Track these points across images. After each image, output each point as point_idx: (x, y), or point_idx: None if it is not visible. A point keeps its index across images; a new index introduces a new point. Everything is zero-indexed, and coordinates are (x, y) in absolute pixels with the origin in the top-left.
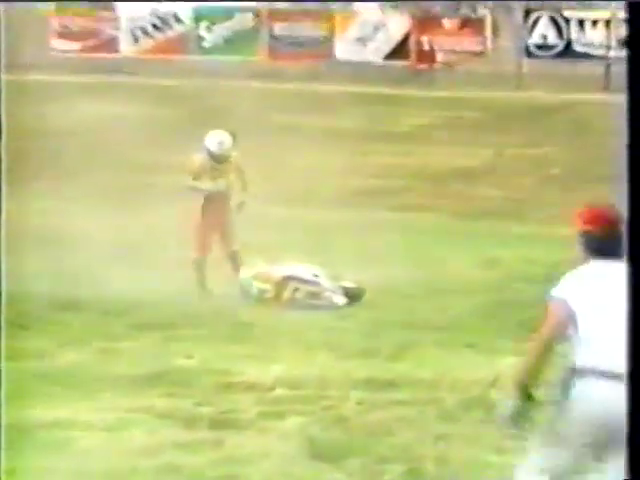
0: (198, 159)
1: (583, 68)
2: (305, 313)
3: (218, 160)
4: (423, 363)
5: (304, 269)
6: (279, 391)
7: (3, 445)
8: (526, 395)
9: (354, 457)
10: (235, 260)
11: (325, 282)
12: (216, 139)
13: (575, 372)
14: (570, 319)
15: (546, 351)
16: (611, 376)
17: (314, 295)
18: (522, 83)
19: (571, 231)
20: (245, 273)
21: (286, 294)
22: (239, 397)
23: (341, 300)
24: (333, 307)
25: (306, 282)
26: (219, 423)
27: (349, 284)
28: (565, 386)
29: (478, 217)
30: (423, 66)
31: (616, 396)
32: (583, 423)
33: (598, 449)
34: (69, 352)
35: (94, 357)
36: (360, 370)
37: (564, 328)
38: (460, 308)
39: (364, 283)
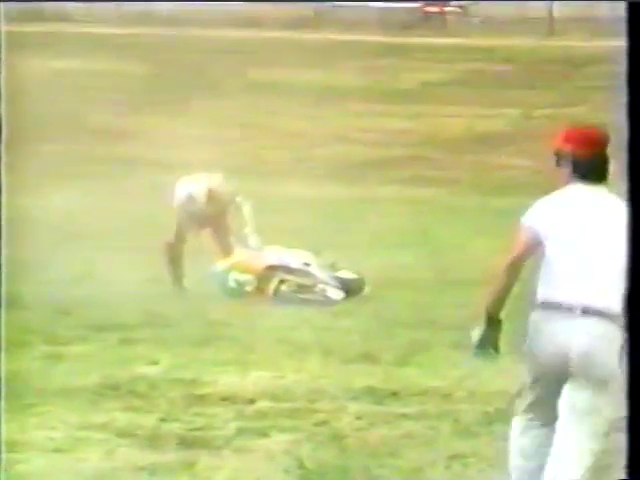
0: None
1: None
2: (293, 309)
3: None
4: (435, 369)
5: (292, 256)
6: (261, 403)
7: None
8: (493, 321)
9: None
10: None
11: (318, 272)
12: (185, 191)
13: (539, 305)
14: (537, 247)
15: (510, 278)
16: (576, 311)
17: (305, 288)
18: (554, 29)
19: None
20: (221, 264)
21: (271, 287)
22: (213, 411)
23: (337, 294)
24: (328, 302)
25: (294, 272)
26: (189, 442)
27: (346, 274)
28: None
29: (503, 192)
30: (433, 9)
31: (581, 331)
32: (546, 358)
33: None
34: (7, 358)
35: (38, 364)
36: (359, 378)
37: (529, 255)
38: (479, 302)
39: (364, 273)
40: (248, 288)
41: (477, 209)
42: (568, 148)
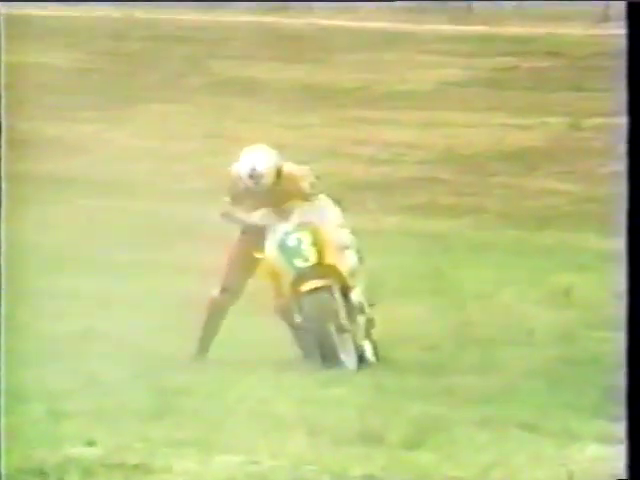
0: (237, 183)
1: None
2: (269, 376)
3: (258, 184)
4: (456, 454)
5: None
6: None
7: None
8: None
9: None
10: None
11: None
12: (252, 153)
13: None
14: None
15: None
16: None
17: (346, 333)
18: (610, 14)
19: None
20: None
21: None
22: None
23: (371, 357)
24: (348, 365)
25: (354, 307)
26: None
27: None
28: None
29: (539, 225)
30: None
31: None
32: None
33: None
34: None
35: None
36: (356, 464)
37: None
38: (513, 367)
39: None
40: (304, 263)
41: (508, 246)
42: None
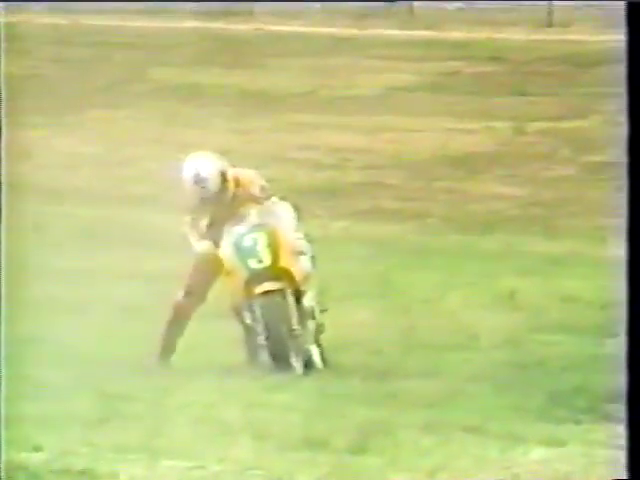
0: (190, 192)
1: None
2: (214, 381)
3: (205, 188)
4: (401, 458)
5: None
6: None
7: None
8: None
9: None
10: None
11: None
12: (197, 159)
13: None
14: None
15: None
16: None
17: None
18: (553, 19)
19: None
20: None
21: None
22: None
23: (318, 362)
24: (292, 370)
25: (307, 311)
26: None
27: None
28: None
29: (484, 229)
30: None
31: None
32: None
33: None
34: None
35: None
36: (303, 468)
37: None
38: (458, 372)
39: None
40: (258, 264)
41: (453, 251)
42: None
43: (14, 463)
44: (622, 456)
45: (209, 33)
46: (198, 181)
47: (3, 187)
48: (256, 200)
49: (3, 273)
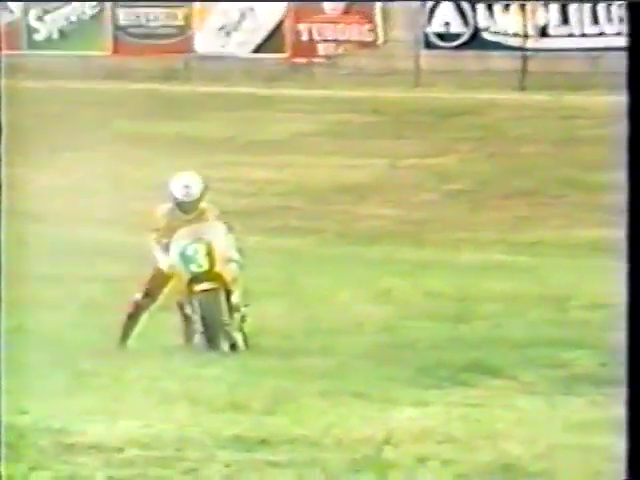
0: (162, 210)
1: (493, 62)
2: (159, 360)
3: (185, 210)
4: (303, 417)
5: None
6: (130, 452)
7: None
8: None
9: None
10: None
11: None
12: (182, 183)
13: None
14: None
15: None
16: None
17: (221, 324)
18: (421, 80)
19: (478, 257)
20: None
21: (205, 292)
22: (82, 459)
23: (242, 345)
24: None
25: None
26: None
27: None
28: None
29: (368, 242)
30: (301, 60)
31: None
32: None
33: None
34: None
35: None
36: (228, 426)
37: None
38: (346, 351)
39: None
40: (198, 268)
41: (343, 258)
42: None
43: (6, 424)
44: (476, 412)
45: (155, 93)
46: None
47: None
48: (205, 220)
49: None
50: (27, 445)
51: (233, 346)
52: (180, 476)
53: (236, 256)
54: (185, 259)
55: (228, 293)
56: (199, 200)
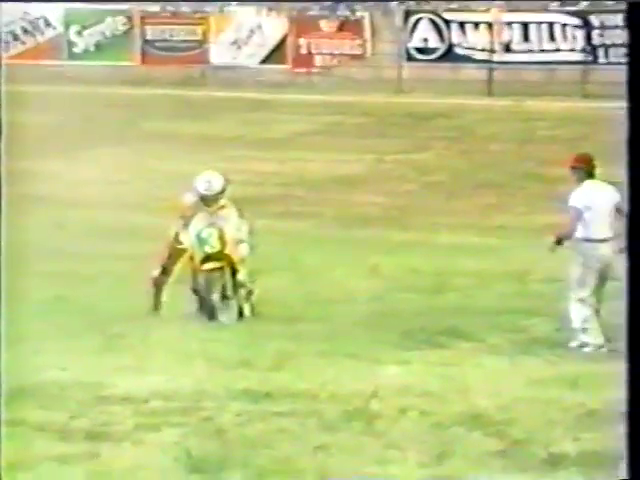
0: (189, 201)
1: (465, 73)
2: (179, 325)
3: (207, 203)
4: (303, 374)
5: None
6: (154, 403)
7: None
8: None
9: (233, 470)
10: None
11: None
12: (205, 179)
13: (588, 240)
14: (581, 215)
15: (572, 227)
16: (601, 240)
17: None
18: (403, 87)
19: (453, 239)
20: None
21: (216, 271)
22: (114, 409)
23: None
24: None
25: (241, 283)
26: (95, 435)
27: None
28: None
29: (359, 225)
30: (301, 70)
31: (605, 250)
32: (592, 267)
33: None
34: None
35: None
36: (239, 381)
37: (579, 219)
38: (340, 318)
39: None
40: (211, 250)
41: (338, 239)
42: (580, 165)
43: (49, 379)
44: (450, 370)
45: (176, 97)
46: (209, 181)
47: (40, 198)
48: (220, 208)
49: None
50: (67, 397)
51: (241, 315)
52: (198, 423)
53: (246, 238)
54: (200, 241)
55: (234, 272)
56: (220, 194)
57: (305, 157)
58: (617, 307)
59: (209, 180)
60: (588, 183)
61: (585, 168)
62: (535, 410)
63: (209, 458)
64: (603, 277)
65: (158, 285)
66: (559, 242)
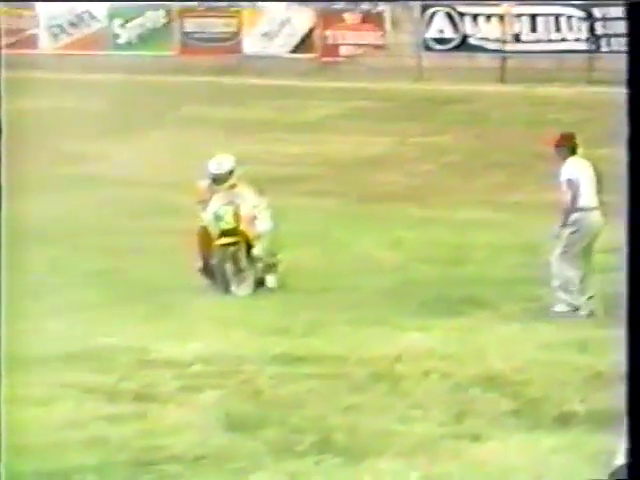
0: (202, 185)
1: (479, 61)
2: (218, 294)
3: (217, 182)
4: (333, 339)
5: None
6: (197, 367)
7: None
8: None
9: (269, 428)
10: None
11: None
12: (216, 160)
13: (578, 209)
14: (577, 186)
15: (574, 200)
16: (591, 209)
17: (243, 271)
18: (422, 75)
19: (469, 215)
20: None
21: (230, 244)
22: (159, 373)
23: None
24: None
25: (257, 258)
26: (141, 397)
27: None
28: (572, 219)
29: (382, 202)
30: (327, 59)
31: (596, 218)
32: (584, 234)
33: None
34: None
35: (23, 337)
36: (274, 347)
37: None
38: (367, 287)
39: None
40: (226, 226)
41: (363, 215)
42: (564, 143)
43: (99, 345)
44: (468, 336)
45: (213, 85)
46: (219, 163)
47: (90, 178)
48: (234, 186)
49: (96, 231)
50: (115, 361)
51: (262, 285)
52: (236, 385)
53: (265, 215)
54: (216, 218)
55: (250, 247)
56: (229, 174)
57: (332, 140)
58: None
59: (220, 162)
60: (572, 159)
61: (568, 146)
62: (547, 372)
63: (247, 417)
64: (590, 244)
65: (207, 272)
66: (564, 225)
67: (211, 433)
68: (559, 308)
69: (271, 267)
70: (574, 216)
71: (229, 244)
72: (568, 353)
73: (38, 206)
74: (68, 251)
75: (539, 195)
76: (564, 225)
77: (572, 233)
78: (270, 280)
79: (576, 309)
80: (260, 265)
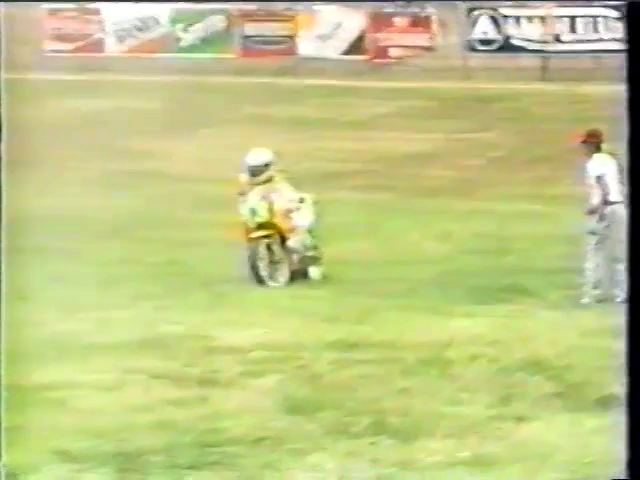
0: (244, 179)
1: (521, 61)
2: (278, 286)
3: (254, 174)
4: (385, 326)
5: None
6: (257, 353)
7: (3, 405)
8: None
9: (325, 411)
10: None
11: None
12: (254, 153)
13: (609, 203)
14: (606, 183)
15: (602, 202)
16: (618, 202)
17: (279, 262)
18: (468, 75)
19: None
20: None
21: (265, 239)
22: (222, 358)
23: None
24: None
25: (293, 249)
26: (205, 382)
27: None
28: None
29: (430, 196)
30: (378, 60)
31: (622, 211)
32: (616, 227)
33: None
34: (70, 322)
35: (92, 325)
36: (329, 333)
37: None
38: (416, 277)
39: (329, 256)
40: (260, 219)
41: (412, 208)
42: (592, 139)
43: (165, 332)
44: (513, 322)
45: (271, 85)
46: (257, 156)
47: (149, 173)
48: (272, 181)
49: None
50: (180, 348)
51: (304, 277)
52: (294, 371)
53: (304, 210)
54: (252, 212)
55: (284, 239)
56: (265, 166)
57: (383, 137)
58: None
59: (257, 155)
60: (597, 155)
61: (594, 142)
62: (588, 357)
63: (304, 401)
64: (620, 236)
65: (252, 259)
66: (600, 220)
67: (271, 416)
68: (588, 299)
69: (314, 260)
70: (606, 210)
71: (263, 237)
72: (608, 339)
73: (105, 202)
74: (133, 244)
75: (576, 188)
76: (600, 220)
77: (606, 227)
78: (313, 272)
79: (610, 298)
80: (295, 257)
